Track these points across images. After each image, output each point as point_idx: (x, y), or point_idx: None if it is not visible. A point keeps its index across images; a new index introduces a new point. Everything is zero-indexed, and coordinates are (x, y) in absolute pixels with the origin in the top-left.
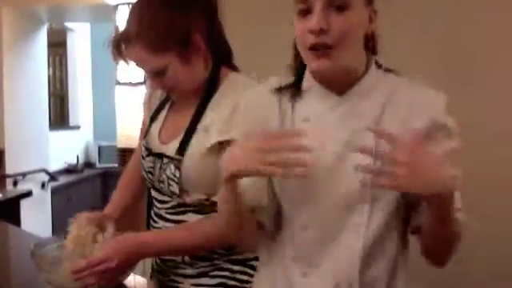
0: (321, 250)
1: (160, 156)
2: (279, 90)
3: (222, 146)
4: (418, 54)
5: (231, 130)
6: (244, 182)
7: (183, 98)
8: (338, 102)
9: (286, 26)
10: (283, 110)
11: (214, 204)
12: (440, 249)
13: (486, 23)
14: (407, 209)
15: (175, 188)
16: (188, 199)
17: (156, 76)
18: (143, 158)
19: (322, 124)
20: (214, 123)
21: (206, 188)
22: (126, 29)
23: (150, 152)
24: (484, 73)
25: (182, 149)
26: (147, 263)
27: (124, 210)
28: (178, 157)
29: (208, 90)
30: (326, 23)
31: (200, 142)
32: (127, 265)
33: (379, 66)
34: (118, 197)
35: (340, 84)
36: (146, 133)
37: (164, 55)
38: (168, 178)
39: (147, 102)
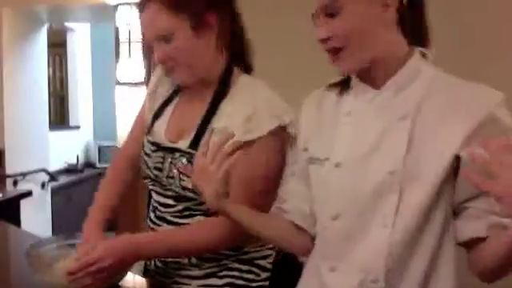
0: (349, 242)
1: (171, 150)
2: (331, 86)
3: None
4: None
5: (247, 133)
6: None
7: (188, 85)
8: (375, 94)
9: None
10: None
11: None
12: (502, 273)
13: (499, 25)
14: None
15: (188, 183)
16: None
17: (162, 42)
18: (148, 155)
19: (360, 117)
20: (229, 129)
21: None
22: None
23: (158, 147)
24: (496, 75)
25: (195, 144)
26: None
27: (112, 211)
28: (191, 151)
29: (220, 89)
30: (326, 31)
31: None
32: (122, 266)
33: (424, 56)
34: (104, 198)
35: (377, 77)
36: (148, 129)
37: (177, 17)
38: (180, 172)
39: (151, 94)
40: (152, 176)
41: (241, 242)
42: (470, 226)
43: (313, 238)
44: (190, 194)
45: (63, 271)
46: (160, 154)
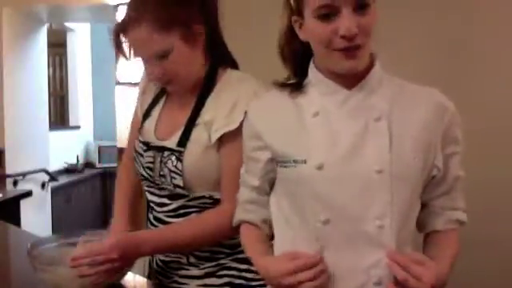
0: (343, 246)
1: (160, 149)
2: (282, 85)
3: (221, 141)
4: (424, 55)
5: (231, 123)
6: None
7: (179, 93)
8: (347, 95)
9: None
10: (296, 105)
11: (217, 202)
12: None
13: (496, 25)
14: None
15: (179, 181)
16: (192, 194)
17: (158, 60)
18: (140, 154)
19: (332, 118)
20: (215, 121)
21: (207, 184)
22: (129, 11)
23: (148, 146)
24: (492, 75)
25: (183, 142)
26: (147, 263)
27: (130, 223)
28: (179, 149)
29: (206, 87)
30: (356, 27)
31: (200, 137)
32: (124, 261)
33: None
34: (121, 212)
35: (350, 78)
36: (139, 129)
37: (170, 35)
38: (170, 170)
39: (142, 95)
40: (145, 175)
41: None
42: (432, 222)
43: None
44: (182, 192)
45: (64, 270)
46: (150, 153)
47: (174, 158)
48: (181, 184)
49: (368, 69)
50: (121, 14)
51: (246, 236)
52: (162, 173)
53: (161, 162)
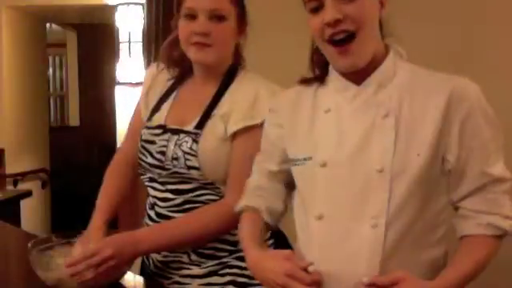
0: (333, 242)
1: (176, 132)
2: (305, 82)
3: (236, 134)
4: (430, 59)
5: (250, 118)
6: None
7: (196, 80)
8: (356, 91)
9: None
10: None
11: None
12: None
13: (499, 28)
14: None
15: (194, 162)
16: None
17: (213, 20)
18: (150, 142)
19: (343, 115)
20: (232, 114)
21: (220, 173)
22: None
23: (164, 129)
24: (496, 77)
25: (201, 125)
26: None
27: (113, 211)
28: (196, 131)
29: (225, 81)
30: (339, 13)
31: (215, 128)
32: (122, 259)
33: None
34: (106, 198)
35: (359, 73)
36: (148, 119)
37: (233, 5)
38: (184, 152)
39: (147, 93)
40: (155, 163)
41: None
42: (461, 226)
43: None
44: (196, 173)
45: (64, 270)
46: (165, 136)
47: (190, 139)
48: (196, 165)
49: (380, 62)
50: (120, 14)
51: (245, 221)
52: (175, 156)
53: (175, 144)
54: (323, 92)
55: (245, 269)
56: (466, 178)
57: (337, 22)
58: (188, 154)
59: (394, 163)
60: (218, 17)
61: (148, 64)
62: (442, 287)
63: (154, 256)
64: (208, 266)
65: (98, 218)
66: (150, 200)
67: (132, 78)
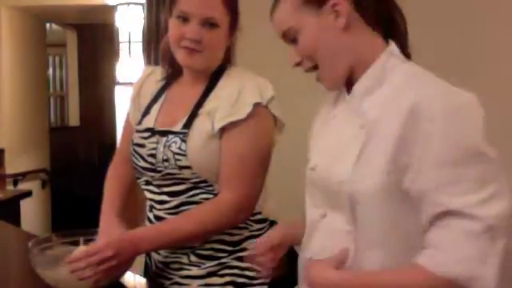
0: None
1: (164, 133)
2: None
3: (224, 130)
4: (430, 59)
5: (235, 113)
6: None
7: (184, 82)
8: (347, 101)
9: None
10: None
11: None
12: None
13: (499, 28)
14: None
15: (184, 161)
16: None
17: (206, 26)
18: (140, 145)
19: (338, 123)
20: (218, 110)
21: (211, 171)
22: None
23: (152, 132)
24: (495, 79)
25: (187, 125)
26: (143, 266)
27: (122, 204)
28: (183, 130)
29: (214, 78)
30: (296, 56)
31: (203, 126)
32: (122, 258)
33: (405, 54)
34: (112, 193)
35: (350, 83)
36: (138, 123)
37: (225, 13)
38: (174, 153)
39: (135, 98)
40: (147, 166)
41: (241, 221)
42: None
43: None
44: (188, 172)
45: (65, 268)
46: (154, 139)
47: (178, 139)
48: (187, 164)
49: (370, 64)
50: (120, 14)
51: None
52: (165, 157)
53: (164, 146)
54: (342, 101)
55: (245, 269)
56: (423, 204)
57: (299, 64)
58: (178, 154)
59: (353, 177)
60: (210, 24)
61: (148, 64)
62: (346, 280)
63: (156, 257)
64: (207, 267)
65: (108, 209)
66: (148, 203)
67: (132, 77)
